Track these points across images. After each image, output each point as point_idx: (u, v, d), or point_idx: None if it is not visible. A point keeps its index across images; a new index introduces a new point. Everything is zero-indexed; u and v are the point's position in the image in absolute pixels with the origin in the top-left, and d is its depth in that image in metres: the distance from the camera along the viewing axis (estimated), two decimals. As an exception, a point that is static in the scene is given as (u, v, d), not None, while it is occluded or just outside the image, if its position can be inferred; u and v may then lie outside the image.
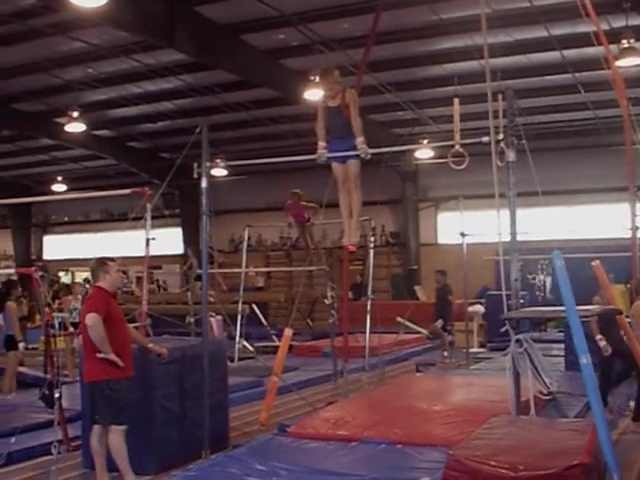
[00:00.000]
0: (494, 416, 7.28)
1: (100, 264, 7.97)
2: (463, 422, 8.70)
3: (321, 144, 8.91)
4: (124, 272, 26.83)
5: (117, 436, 7.55)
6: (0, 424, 9.84)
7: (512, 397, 7.60)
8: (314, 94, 17.21)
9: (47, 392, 9.11)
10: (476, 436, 6.43)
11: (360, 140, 8.68)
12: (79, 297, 15.93)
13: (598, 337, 11.02)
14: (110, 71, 19.66)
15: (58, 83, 20.49)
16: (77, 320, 15.51)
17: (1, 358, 14.43)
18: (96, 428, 7.73)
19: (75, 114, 21.27)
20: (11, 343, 13.68)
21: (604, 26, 15.02)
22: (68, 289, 17.55)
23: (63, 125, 22.27)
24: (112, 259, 8.15)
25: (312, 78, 17.22)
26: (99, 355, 7.48)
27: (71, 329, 14.73)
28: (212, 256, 19.48)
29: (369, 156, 8.82)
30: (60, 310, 15.06)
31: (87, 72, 19.69)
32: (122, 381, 7.62)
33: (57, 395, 8.68)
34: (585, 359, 6.03)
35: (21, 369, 14.69)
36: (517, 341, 7.40)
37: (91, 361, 7.61)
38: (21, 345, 13.84)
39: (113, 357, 7.46)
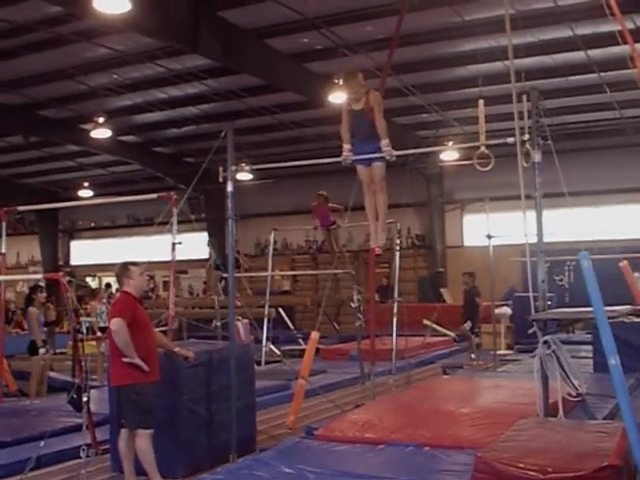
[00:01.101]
0: (522, 418, 7.24)
1: (123, 269, 8.08)
2: (491, 424, 8.65)
3: (346, 147, 8.93)
4: (151, 277, 26.99)
5: (144, 440, 7.60)
6: (29, 428, 9.90)
7: (540, 399, 7.54)
8: (338, 97, 17.24)
9: (75, 396, 9.14)
10: (504, 438, 6.39)
11: (385, 142, 8.68)
12: (104, 301, 16.06)
13: None
14: (135, 77, 19.81)
15: (83, 89, 20.67)
16: (103, 325, 15.65)
17: (27, 363, 14.56)
18: (123, 432, 7.78)
19: (101, 120, 21.47)
20: (34, 348, 13.80)
21: (629, 25, 14.92)
22: (93, 294, 17.63)
23: (89, 131, 22.49)
24: (135, 263, 8.23)
25: (336, 81, 17.26)
26: (125, 359, 7.54)
27: (99, 333, 14.82)
28: (238, 260, 19.52)
29: (394, 158, 8.83)
30: (87, 315, 15.16)
31: (112, 78, 19.86)
32: (148, 385, 7.67)
33: (85, 399, 8.72)
34: (614, 360, 5.98)
35: (50, 374, 14.80)
36: (545, 342, 7.35)
37: (117, 366, 7.68)
38: (42, 350, 13.92)
39: (138, 361, 7.52)
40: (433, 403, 10.66)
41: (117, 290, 9.03)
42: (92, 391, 9.42)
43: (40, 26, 16.08)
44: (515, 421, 7.15)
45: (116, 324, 7.49)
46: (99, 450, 8.97)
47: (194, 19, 15.74)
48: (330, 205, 16.75)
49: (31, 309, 14.09)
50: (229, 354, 9.01)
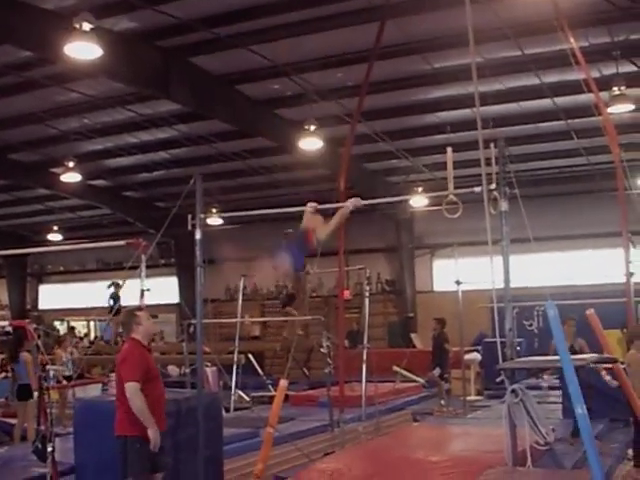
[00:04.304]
0: (490, 467, 7.21)
1: (130, 316, 7.87)
2: (460, 473, 8.60)
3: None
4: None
5: None
6: (-7, 478, 9.75)
7: (508, 448, 7.52)
8: (309, 143, 17.38)
9: (40, 446, 9.01)
10: (473, 489, 6.37)
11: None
12: (69, 350, 15.95)
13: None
14: (105, 121, 19.81)
15: (54, 133, 20.63)
16: (68, 373, 15.45)
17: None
18: None
19: (71, 164, 21.40)
20: (27, 392, 13.53)
21: (595, 73, 15.19)
22: (58, 341, 17.34)
23: (59, 175, 22.39)
24: (140, 308, 8.14)
25: (306, 127, 17.36)
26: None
27: (64, 382, 14.68)
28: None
29: (361, 205, 8.88)
30: (52, 362, 14.98)
31: (83, 122, 19.83)
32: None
33: (50, 449, 8.58)
34: (580, 409, 5.99)
35: (12, 420, 14.58)
36: (512, 391, 7.36)
37: (124, 413, 7.44)
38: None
39: (152, 425, 7.35)
40: (402, 451, 10.61)
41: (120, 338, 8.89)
42: (57, 440, 9.29)
43: (11, 70, 16.06)
44: (484, 470, 7.14)
45: (131, 390, 7.27)
46: (64, 501, 8.84)
47: (165, 65, 15.82)
48: None
49: (25, 354, 13.90)
50: (197, 403, 8.92)
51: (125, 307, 11.17)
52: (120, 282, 20.73)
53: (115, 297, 22.09)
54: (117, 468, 7.53)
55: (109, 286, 21.98)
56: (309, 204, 8.93)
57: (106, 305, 20.89)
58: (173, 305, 29.19)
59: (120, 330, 24.93)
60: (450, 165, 8.75)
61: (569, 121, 19.41)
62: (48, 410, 9.33)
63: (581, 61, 13.41)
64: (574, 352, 12.15)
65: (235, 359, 17.39)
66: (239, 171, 24.26)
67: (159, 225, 10.97)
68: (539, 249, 8.03)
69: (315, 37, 15.04)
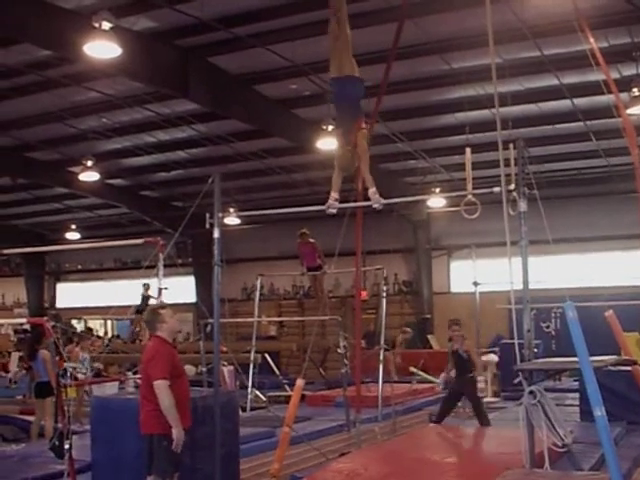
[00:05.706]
0: (508, 469, 7.17)
1: (154, 315, 7.75)
2: (477, 475, 8.57)
3: (333, 195, 8.88)
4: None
5: None
6: (10, 475, 9.74)
7: (526, 450, 7.47)
8: (327, 143, 17.33)
9: (57, 443, 9.01)
10: (490, 490, 6.34)
11: (372, 191, 8.67)
12: (91, 349, 15.96)
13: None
14: (124, 121, 19.90)
15: (73, 132, 20.73)
16: (85, 372, 15.50)
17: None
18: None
19: (89, 163, 21.47)
20: (47, 390, 13.48)
21: (614, 74, 15.09)
22: (76, 341, 17.37)
23: (77, 174, 22.47)
24: (163, 307, 8.03)
25: (324, 127, 17.33)
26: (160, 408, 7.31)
27: (81, 376, 14.72)
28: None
29: (382, 206, 8.83)
30: (69, 359, 15.02)
31: (101, 122, 19.94)
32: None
33: (67, 446, 8.59)
34: (599, 411, 5.94)
35: (30, 417, 14.63)
36: (530, 393, 7.31)
37: (152, 412, 7.37)
38: None
39: (177, 425, 7.28)
40: (419, 452, 10.56)
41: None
42: (74, 437, 9.30)
43: (30, 69, 16.16)
44: (501, 471, 7.09)
45: (161, 388, 7.21)
46: (80, 498, 8.85)
47: (184, 64, 15.86)
48: (311, 240, 16.98)
49: (44, 352, 13.92)
50: (214, 402, 8.91)
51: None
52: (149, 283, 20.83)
53: (145, 297, 22.24)
54: (138, 466, 7.51)
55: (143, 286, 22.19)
56: None
57: (123, 304, 20.99)
58: (190, 304, 29.23)
59: (137, 330, 25.25)
60: (469, 165, 8.70)
61: (588, 122, 19.34)
62: (66, 408, 9.37)
63: (601, 62, 13.34)
64: (460, 357, 12.78)
65: (252, 358, 17.41)
66: (257, 171, 24.30)
67: (177, 224, 11.01)
68: (557, 251, 7.96)
69: (333, 37, 15.00)
